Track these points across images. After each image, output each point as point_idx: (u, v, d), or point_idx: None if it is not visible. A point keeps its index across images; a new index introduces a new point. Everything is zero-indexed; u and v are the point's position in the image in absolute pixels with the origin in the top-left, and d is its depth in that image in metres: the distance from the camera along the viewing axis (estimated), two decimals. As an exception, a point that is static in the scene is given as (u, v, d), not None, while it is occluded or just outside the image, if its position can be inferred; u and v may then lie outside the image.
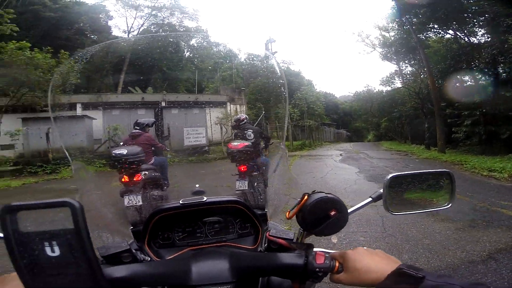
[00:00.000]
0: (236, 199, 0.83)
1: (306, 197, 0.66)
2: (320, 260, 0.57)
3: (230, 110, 16.23)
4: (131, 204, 2.51)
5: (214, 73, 24.31)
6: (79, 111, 12.39)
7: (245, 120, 4.04)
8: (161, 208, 0.79)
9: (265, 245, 0.70)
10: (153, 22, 23.85)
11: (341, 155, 14.12)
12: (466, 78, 15.45)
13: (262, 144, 4.09)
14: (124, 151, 2.33)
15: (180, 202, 0.78)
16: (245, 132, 3.90)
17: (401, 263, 0.51)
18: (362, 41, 23.32)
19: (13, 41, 10.63)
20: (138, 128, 2.93)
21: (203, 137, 9.29)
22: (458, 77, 15.85)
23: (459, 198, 5.00)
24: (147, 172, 2.60)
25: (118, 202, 2.46)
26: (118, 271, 0.51)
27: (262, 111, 16.11)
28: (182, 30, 23.27)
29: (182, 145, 9.15)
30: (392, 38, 19.46)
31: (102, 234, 0.93)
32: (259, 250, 0.81)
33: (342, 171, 8.60)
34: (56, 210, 0.39)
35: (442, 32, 15.21)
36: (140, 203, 2.44)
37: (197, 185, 0.99)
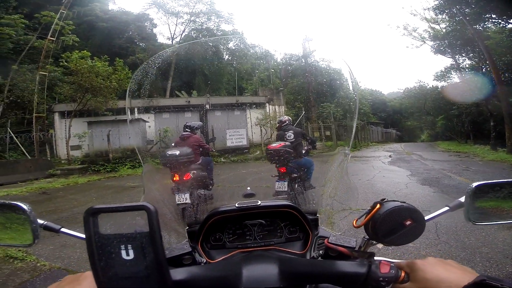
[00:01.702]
0: (290, 203, 0.83)
1: (378, 206, 0.63)
2: (385, 270, 0.54)
3: (269, 110, 16.38)
4: (181, 202, 2.75)
5: (252, 75, 24.82)
6: (136, 115, 13.78)
7: (287, 122, 4.06)
8: (218, 210, 0.81)
9: (321, 252, 0.69)
10: (193, 27, 25.34)
11: (390, 156, 13.21)
12: None
13: (305, 145, 4.02)
14: (177, 152, 2.56)
15: (236, 205, 0.80)
16: (286, 133, 3.90)
17: (480, 274, 0.46)
18: (409, 35, 21.47)
19: (76, 51, 12.27)
20: (188, 130, 3.19)
21: (244, 138, 9.58)
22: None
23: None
24: (195, 172, 2.82)
25: (174, 201, 2.71)
26: (180, 273, 0.52)
27: (302, 111, 15.89)
28: (219, 33, 24.30)
29: (225, 146, 9.53)
30: (444, 30, 17.73)
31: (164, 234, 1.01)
32: (308, 255, 0.80)
33: (392, 174, 8.04)
34: (133, 213, 0.42)
35: (502, 22, 13.52)
36: (188, 201, 2.66)
37: (248, 188, 1.00)
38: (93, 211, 0.41)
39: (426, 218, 0.66)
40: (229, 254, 0.80)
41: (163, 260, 0.41)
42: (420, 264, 0.52)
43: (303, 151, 3.87)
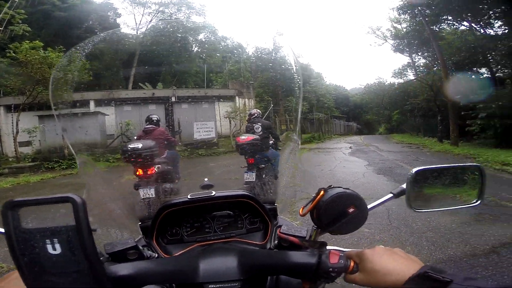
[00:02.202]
0: (246, 193, 0.81)
1: (322, 192, 0.62)
2: (334, 260, 0.53)
3: (239, 103, 16.33)
4: (145, 197, 2.67)
5: (222, 67, 24.44)
6: (92, 107, 12.85)
7: (255, 114, 4.19)
8: (169, 203, 0.77)
9: (275, 242, 0.66)
10: (161, 18, 24.09)
11: (350, 148, 14.04)
12: (483, 70, 15.02)
13: (271, 138, 4.21)
14: (139, 145, 2.44)
15: (189, 196, 0.77)
16: (254, 125, 4.01)
17: (424, 264, 0.48)
18: (373, 33, 22.76)
19: (27, 41, 11.02)
20: (150, 123, 3.07)
21: (212, 131, 9.45)
22: (473, 69, 15.40)
23: (469, 192, 4.98)
24: (160, 166, 2.74)
25: (127, 197, 2.61)
26: (123, 268, 0.50)
27: (270, 104, 16.07)
28: (189, 25, 23.41)
29: (192, 139, 9.33)
30: (404, 30, 19.07)
31: (111, 230, 0.94)
32: (268, 246, 0.79)
33: (351, 164, 8.60)
34: (60, 206, 0.39)
35: (456, 24, 14.88)
36: (154, 195, 2.59)
37: (205, 179, 0.98)
38: (12, 204, 0.39)
39: (370, 205, 0.67)
40: (187, 248, 0.78)
41: (93, 254, 0.40)
42: (368, 254, 0.52)
43: (271, 143, 4.04)
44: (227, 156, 9.58)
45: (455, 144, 12.68)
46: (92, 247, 0.40)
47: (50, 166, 10.28)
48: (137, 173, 2.70)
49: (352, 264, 0.53)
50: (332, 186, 0.64)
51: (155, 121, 3.09)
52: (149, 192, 2.62)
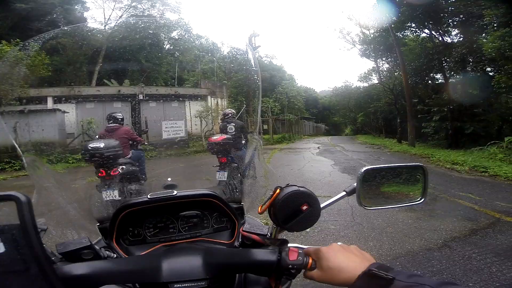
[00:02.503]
0: (210, 192, 0.79)
1: (278, 190, 0.63)
2: (293, 257, 0.55)
3: (211, 103, 16.12)
4: (109, 199, 2.52)
5: (195, 66, 23.90)
6: (50, 104, 11.88)
7: (229, 115, 4.37)
8: (128, 203, 0.75)
9: (240, 240, 0.68)
10: (133, 13, 22.89)
11: (318, 148, 14.55)
12: (438, 76, 16.43)
13: (243, 138, 4.23)
14: (100, 144, 2.29)
15: (148, 196, 0.74)
16: (228, 125, 4.15)
17: (372, 262, 0.50)
18: (343, 38, 23.91)
19: None
20: (113, 121, 2.90)
21: (182, 130, 9.19)
22: (430, 75, 16.81)
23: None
24: (124, 166, 2.60)
25: (84, 198, 2.45)
26: (77, 268, 0.48)
27: (243, 104, 16.10)
28: (162, 22, 22.52)
29: (160, 139, 8.99)
30: (372, 35, 20.10)
31: (67, 232, 0.90)
32: (235, 245, 0.79)
33: (319, 164, 8.92)
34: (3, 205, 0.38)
35: (418, 31, 15.89)
36: (117, 197, 2.45)
37: (169, 179, 0.95)
38: None
39: (324, 204, 0.68)
40: (151, 249, 0.76)
41: (40, 253, 0.39)
42: (324, 252, 0.54)
43: (243, 143, 4.00)
44: (197, 156, 9.39)
45: (412, 145, 13.73)
46: (39, 246, 0.39)
47: (0, 167, 9.28)
48: (99, 174, 2.54)
49: (310, 261, 0.55)
50: (288, 185, 0.65)
51: (119, 119, 2.93)
52: (112, 194, 2.48)
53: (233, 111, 4.59)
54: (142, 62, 20.63)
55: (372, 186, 0.77)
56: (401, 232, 3.34)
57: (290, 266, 0.54)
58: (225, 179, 3.55)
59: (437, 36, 15.15)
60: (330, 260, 0.52)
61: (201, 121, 11.49)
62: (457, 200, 4.57)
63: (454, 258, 2.66)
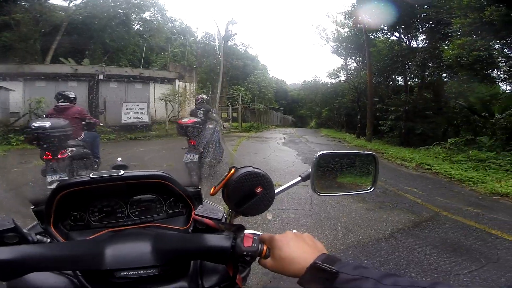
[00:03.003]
0: (161, 173, 0.72)
1: (232, 171, 0.60)
2: (247, 243, 0.52)
3: (179, 87, 15.52)
4: (54, 185, 2.30)
5: (165, 49, 22.72)
6: None
7: (200, 100, 4.73)
8: (66, 183, 0.67)
9: (192, 226, 0.64)
10: None
11: (284, 138, 14.89)
12: (399, 78, 17.66)
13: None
14: (46, 123, 2.04)
15: (90, 176, 0.66)
16: (198, 110, 4.40)
17: (321, 253, 0.49)
18: (319, 34, 24.48)
19: None
20: (63, 100, 2.62)
21: (144, 113, 8.72)
22: (393, 76, 18.01)
23: (375, 181, 5.89)
24: (74, 149, 2.38)
25: (22, 182, 2.22)
26: (1, 252, 0.44)
27: (210, 90, 15.78)
28: (135, 1, 20.76)
29: (120, 121, 8.44)
30: (345, 34, 20.71)
31: None
32: (189, 231, 0.75)
33: (283, 153, 9.15)
34: None
35: (389, 34, 16.75)
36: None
37: (118, 159, 0.88)
38: None
39: (279, 189, 0.66)
40: (95, 235, 0.70)
41: None
42: (277, 240, 0.52)
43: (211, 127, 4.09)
44: (160, 141, 9.02)
45: (369, 140, 14.70)
46: None
47: None
48: (44, 157, 2.30)
49: (265, 248, 0.53)
50: (244, 166, 0.63)
51: (70, 98, 2.66)
52: (59, 178, 2.26)
53: (205, 96, 4.77)
54: (106, 42, 18.97)
55: (326, 173, 0.78)
56: (354, 222, 3.58)
57: (245, 253, 0.52)
58: (195, 161, 3.61)
59: (405, 40, 16.10)
60: (282, 249, 0.51)
61: (166, 104, 10.95)
62: (404, 194, 5.02)
63: (399, 249, 2.89)
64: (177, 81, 16.05)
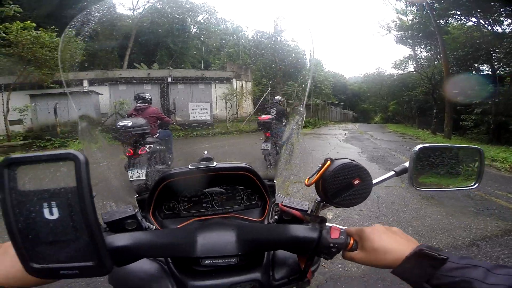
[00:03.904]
0: (247, 166, 0.77)
1: (328, 162, 0.60)
2: (335, 235, 0.53)
3: (236, 86, 16.15)
4: (134, 178, 2.62)
5: (220, 50, 23.93)
6: (86, 87, 12.81)
7: (275, 100, 5.75)
8: (169, 173, 0.73)
9: (276, 217, 0.65)
10: None
11: (345, 135, 14.10)
12: (484, 67, 15.02)
13: (284, 120, 5.18)
14: (129, 122, 2.31)
15: (189, 166, 0.73)
16: (271, 109, 5.26)
17: (420, 244, 0.48)
18: (378, 23, 22.41)
19: (18, 21, 10.84)
20: (141, 101, 2.97)
21: (208, 112, 9.36)
22: (474, 65, 15.38)
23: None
24: (152, 146, 2.68)
25: (124, 174, 2.57)
26: (121, 239, 0.47)
27: (268, 88, 15.96)
28: (188, 6, 22.47)
29: (188, 120, 9.27)
30: (410, 22, 18.73)
31: (106, 203, 0.90)
32: (266, 222, 0.78)
33: (345, 151, 8.65)
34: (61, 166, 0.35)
35: (464, 19, 14.62)
36: (144, 177, 2.54)
37: (205, 152, 0.94)
38: (9, 161, 0.34)
39: (375, 181, 0.66)
40: (185, 223, 0.77)
41: (93, 220, 0.36)
42: (368, 232, 0.52)
43: (283, 123, 5.02)
44: (222, 138, 9.55)
45: (448, 137, 12.85)
46: (93, 213, 0.36)
47: (42, 145, 10.24)
48: (127, 153, 2.64)
49: (351, 241, 0.53)
50: (339, 158, 0.62)
51: (147, 99, 3.00)
52: (139, 173, 2.58)
53: (281, 98, 5.86)
54: (170, 46, 20.98)
55: (424, 166, 0.74)
56: (428, 227, 3.19)
57: (331, 245, 0.52)
58: (268, 149, 4.40)
59: (485, 25, 13.64)
60: (375, 241, 0.50)
61: (226, 103, 11.53)
62: (493, 199, 4.23)
63: (481, 258, 2.50)
64: (234, 80, 16.76)
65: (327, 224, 0.57)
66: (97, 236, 0.37)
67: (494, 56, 13.61)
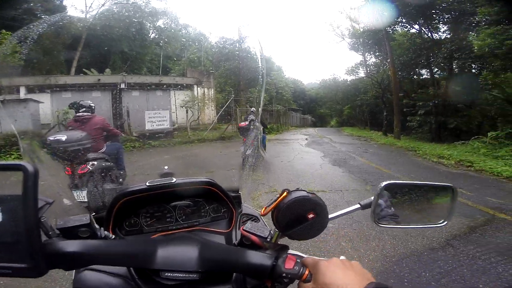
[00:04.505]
0: (208, 180, 0.77)
1: (285, 193, 0.60)
2: (289, 265, 0.52)
3: (198, 93, 15.63)
4: (80, 199, 2.17)
5: (181, 56, 23.25)
6: (22, 94, 11.19)
7: (251, 110, 6.84)
8: (126, 191, 0.72)
9: (239, 239, 0.65)
10: (116, 1, 21.54)
11: (306, 139, 14.47)
12: (423, 71, 16.76)
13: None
14: (63, 137, 1.90)
15: (147, 184, 0.72)
16: (248, 116, 6.17)
17: (370, 282, 0.46)
18: (333, 31, 23.91)
19: None
20: (84, 110, 2.49)
21: (167, 120, 8.76)
22: (417, 70, 17.11)
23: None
24: (95, 163, 2.22)
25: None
26: (71, 245, 0.47)
27: (231, 94, 15.79)
28: (148, 11, 21.40)
29: (144, 129, 8.56)
30: (361, 29, 20.17)
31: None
32: (233, 234, 0.79)
33: (308, 155, 8.77)
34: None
35: (408, 26, 16.03)
36: (86, 199, 2.09)
37: (165, 167, 0.93)
38: None
39: (333, 215, 0.65)
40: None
41: (32, 226, 0.40)
42: (322, 266, 0.50)
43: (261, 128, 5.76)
44: (184, 147, 9.01)
45: (397, 138, 13.94)
46: (34, 219, 0.40)
47: None
48: (66, 171, 2.17)
49: (306, 272, 0.52)
50: (298, 189, 0.63)
51: (90, 107, 2.53)
52: (80, 196, 2.12)
53: (254, 108, 6.95)
54: (125, 51, 19.64)
55: (390, 201, 0.72)
56: (401, 230, 3.20)
57: (284, 275, 0.51)
58: (248, 152, 5.40)
59: (426, 32, 15.30)
60: (327, 276, 0.49)
61: (187, 111, 10.96)
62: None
63: (459, 258, 2.56)
64: (195, 86, 16.23)
65: (290, 251, 0.57)
66: (34, 240, 0.41)
67: (433, 61, 15.19)
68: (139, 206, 0.77)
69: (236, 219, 0.82)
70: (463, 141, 10.25)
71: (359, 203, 0.69)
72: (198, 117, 12.77)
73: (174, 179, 0.73)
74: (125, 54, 19.80)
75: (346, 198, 4.19)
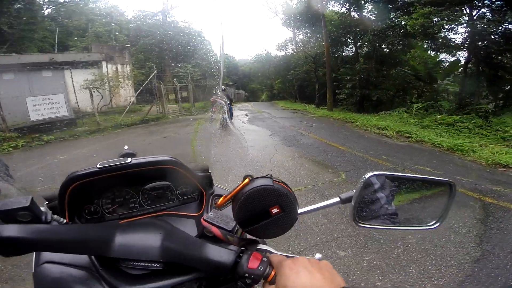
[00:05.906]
0: (170, 158, 0.69)
1: (247, 180, 0.50)
2: (253, 264, 0.45)
3: (107, 70, 12.73)
4: None
5: (86, 32, 19.14)
6: None
7: (224, 87, 7.58)
8: (75, 175, 0.63)
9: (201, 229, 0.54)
10: None
11: (246, 115, 13.81)
12: (352, 48, 17.69)
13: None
14: None
15: (98, 166, 0.64)
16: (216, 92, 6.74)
17: (342, 287, 0.41)
18: (267, 6, 23.54)
19: None
20: None
21: (63, 107, 6.50)
22: (344, 47, 18.00)
23: (376, 160, 5.04)
24: None
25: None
26: (7, 229, 0.42)
27: (153, 70, 13.45)
28: None
29: (28, 121, 6.17)
30: (295, 6, 20.32)
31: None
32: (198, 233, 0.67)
33: (255, 135, 7.94)
34: None
35: (340, 5, 16.66)
36: None
37: (125, 147, 0.82)
38: None
39: (305, 209, 0.55)
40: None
41: None
42: (286, 267, 0.44)
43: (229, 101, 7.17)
44: (92, 139, 6.91)
45: (330, 110, 14.45)
46: None
47: None
48: None
49: (272, 273, 0.46)
50: (266, 176, 0.52)
51: None
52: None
53: (225, 87, 8.25)
54: (4, 29, 14.66)
55: (374, 198, 0.59)
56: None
57: (247, 275, 0.45)
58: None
59: (353, 11, 15.94)
60: (290, 279, 0.42)
61: (91, 93, 8.55)
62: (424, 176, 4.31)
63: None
64: (104, 63, 13.20)
65: (260, 247, 0.51)
66: None
67: (360, 38, 15.96)
68: (97, 192, 0.70)
69: (207, 201, 0.76)
70: (385, 112, 11.07)
71: (339, 196, 0.57)
72: (111, 99, 10.30)
73: (130, 159, 0.65)
74: (4, 33, 14.86)
75: (327, 194, 3.44)
